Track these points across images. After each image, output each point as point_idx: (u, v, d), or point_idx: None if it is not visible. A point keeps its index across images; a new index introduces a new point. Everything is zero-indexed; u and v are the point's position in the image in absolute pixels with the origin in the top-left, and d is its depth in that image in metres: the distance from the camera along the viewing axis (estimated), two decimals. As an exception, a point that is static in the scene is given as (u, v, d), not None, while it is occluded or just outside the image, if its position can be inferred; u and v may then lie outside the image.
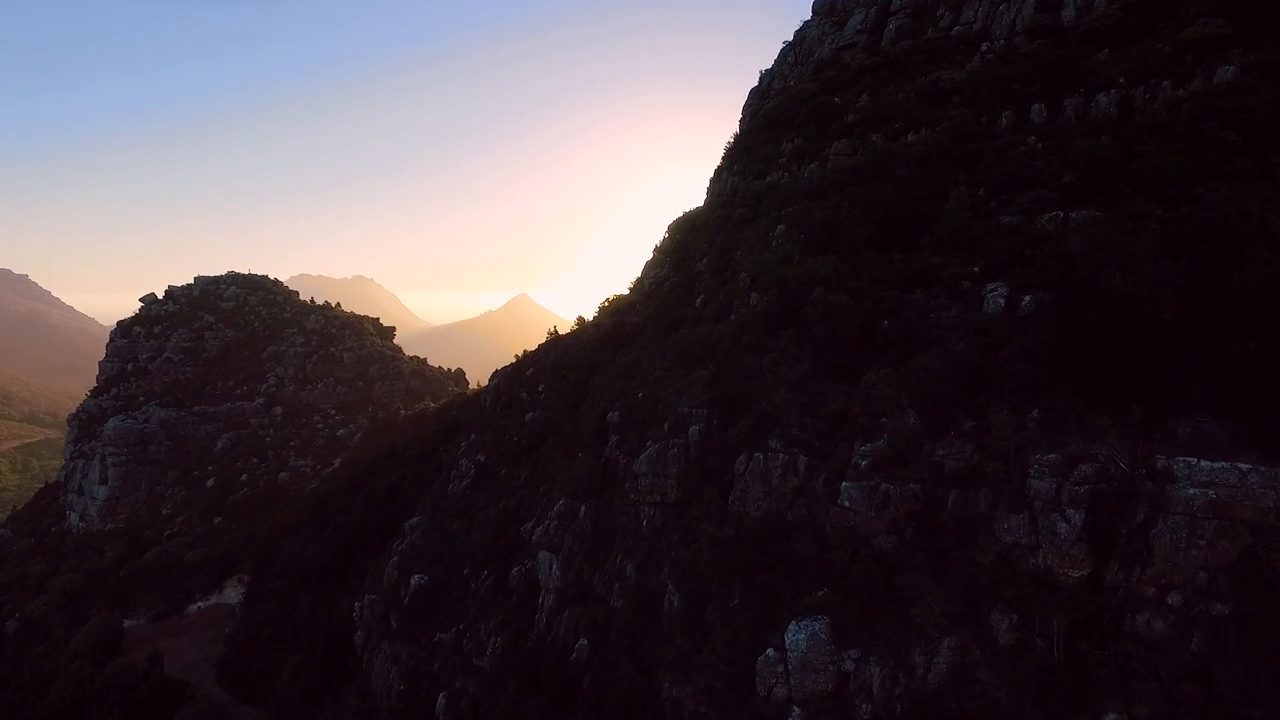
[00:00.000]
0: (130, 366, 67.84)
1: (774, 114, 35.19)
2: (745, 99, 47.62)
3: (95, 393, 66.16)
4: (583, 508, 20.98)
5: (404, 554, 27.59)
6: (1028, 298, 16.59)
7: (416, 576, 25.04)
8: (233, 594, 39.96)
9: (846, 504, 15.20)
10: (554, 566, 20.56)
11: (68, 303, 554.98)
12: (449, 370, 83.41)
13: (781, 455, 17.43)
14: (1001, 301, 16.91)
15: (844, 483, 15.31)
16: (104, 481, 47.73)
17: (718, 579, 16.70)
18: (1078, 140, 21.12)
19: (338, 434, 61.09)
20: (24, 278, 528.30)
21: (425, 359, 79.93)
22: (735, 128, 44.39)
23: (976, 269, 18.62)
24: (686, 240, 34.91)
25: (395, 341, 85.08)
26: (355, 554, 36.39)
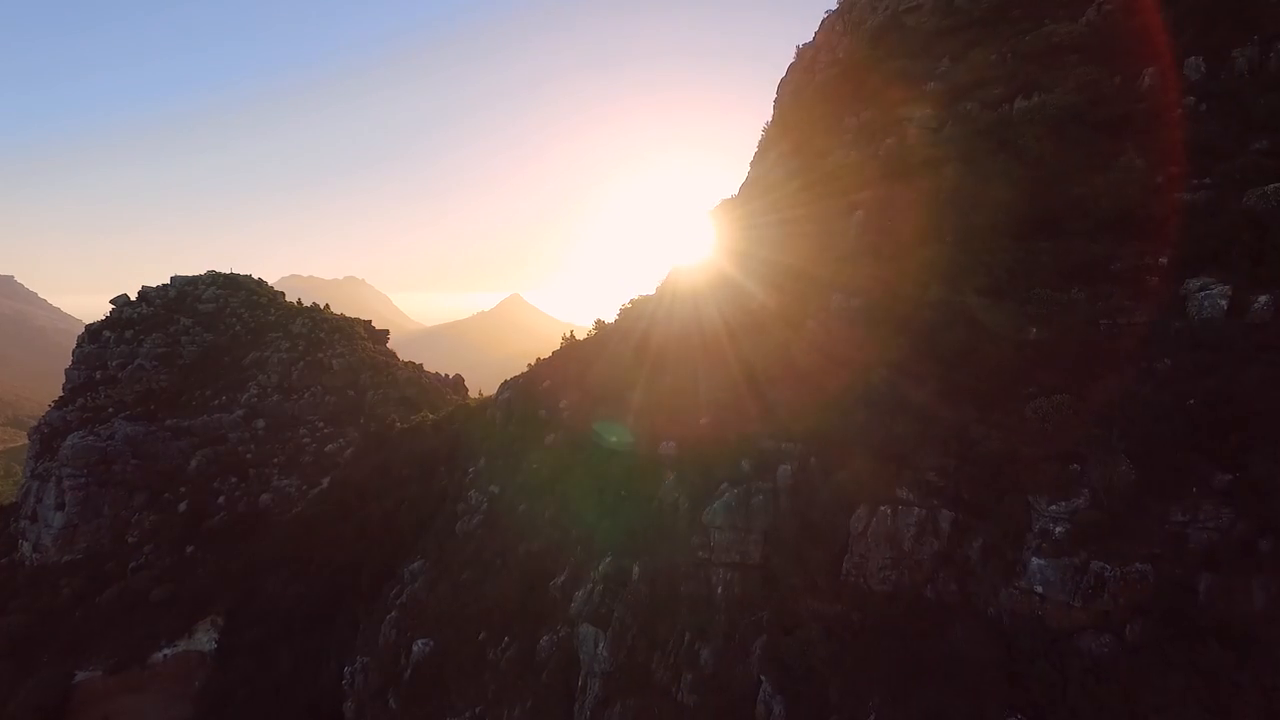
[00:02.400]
0: (99, 374, 63.42)
1: (830, 87, 31.17)
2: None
3: (59, 404, 61.68)
4: (635, 567, 16.86)
5: (404, 609, 23.43)
6: (1263, 298, 12.54)
7: (420, 642, 20.89)
8: (205, 638, 35.76)
9: (1038, 588, 11.15)
10: (600, 645, 16.43)
11: (54, 304, 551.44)
12: (447, 377, 79.17)
13: (916, 509, 13.41)
14: (1223, 303, 12.85)
15: (1033, 557, 11.27)
16: (60, 507, 43.40)
17: (840, 682, 12.55)
18: (1260, 99, 17.07)
19: (326, 449, 56.84)
20: (9, 279, 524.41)
21: (421, 365, 75.69)
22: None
23: (1164, 259, 14.56)
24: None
25: (388, 345, 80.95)
26: (345, 597, 32.24)
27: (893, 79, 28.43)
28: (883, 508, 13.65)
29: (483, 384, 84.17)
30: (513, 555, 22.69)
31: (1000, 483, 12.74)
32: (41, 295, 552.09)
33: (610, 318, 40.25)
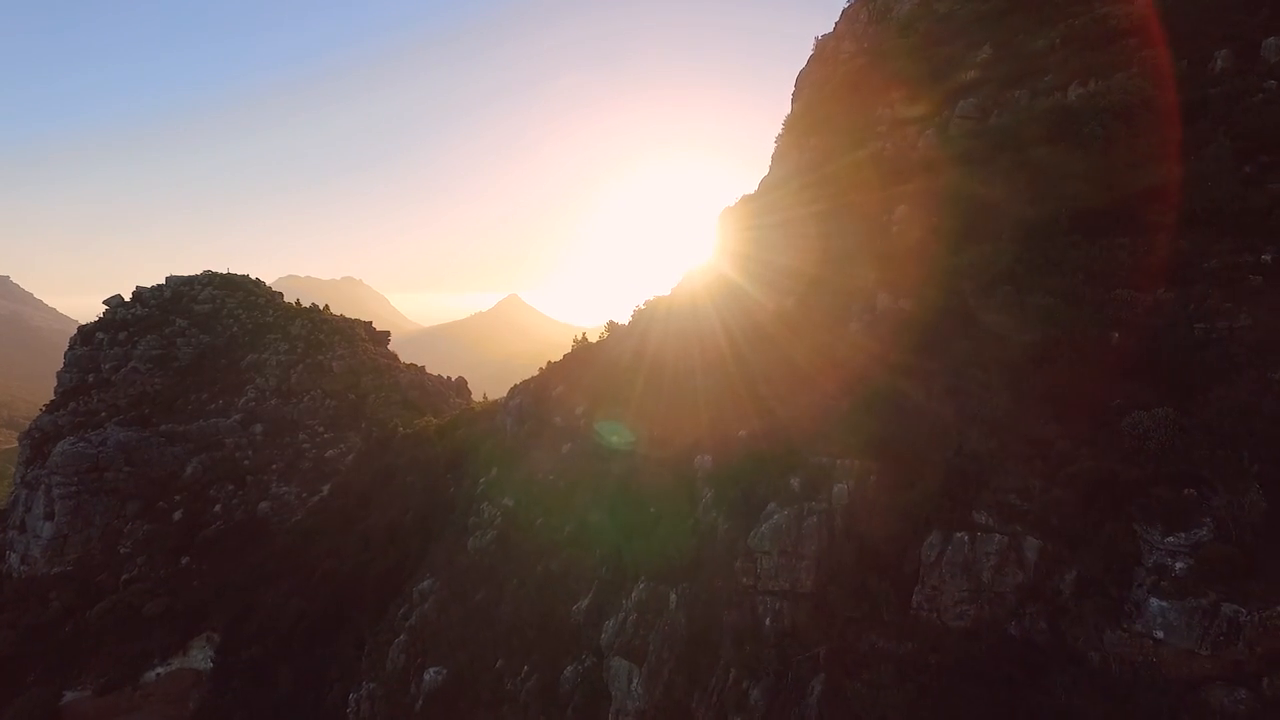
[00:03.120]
0: (91, 377, 62.03)
1: (857, 78, 29.84)
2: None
3: (51, 407, 60.25)
4: (673, 595, 15.49)
5: (413, 632, 22.05)
6: (1396, 299, 11.15)
7: (432, 670, 19.53)
8: (200, 655, 34.39)
9: (1157, 633, 9.80)
10: (635, 680, 15.06)
11: (50, 305, 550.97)
12: (449, 379, 77.78)
13: (997, 536, 12.06)
14: (1348, 305, 11.45)
15: (1151, 597, 9.93)
16: (49, 517, 41.92)
17: (919, 735, 11.17)
18: (1354, 81, 15.73)
19: (326, 455, 55.45)
20: (4, 279, 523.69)
21: (424, 367, 74.29)
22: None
23: (1266, 257, 13.21)
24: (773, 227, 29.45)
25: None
26: (349, 612, 30.84)
27: (928, 68, 27.13)
28: (958, 534, 12.31)
29: (482, 385, 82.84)
30: (530, 575, 21.33)
31: (1097, 508, 11.38)
32: (37, 296, 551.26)
33: (615, 319, 38.76)
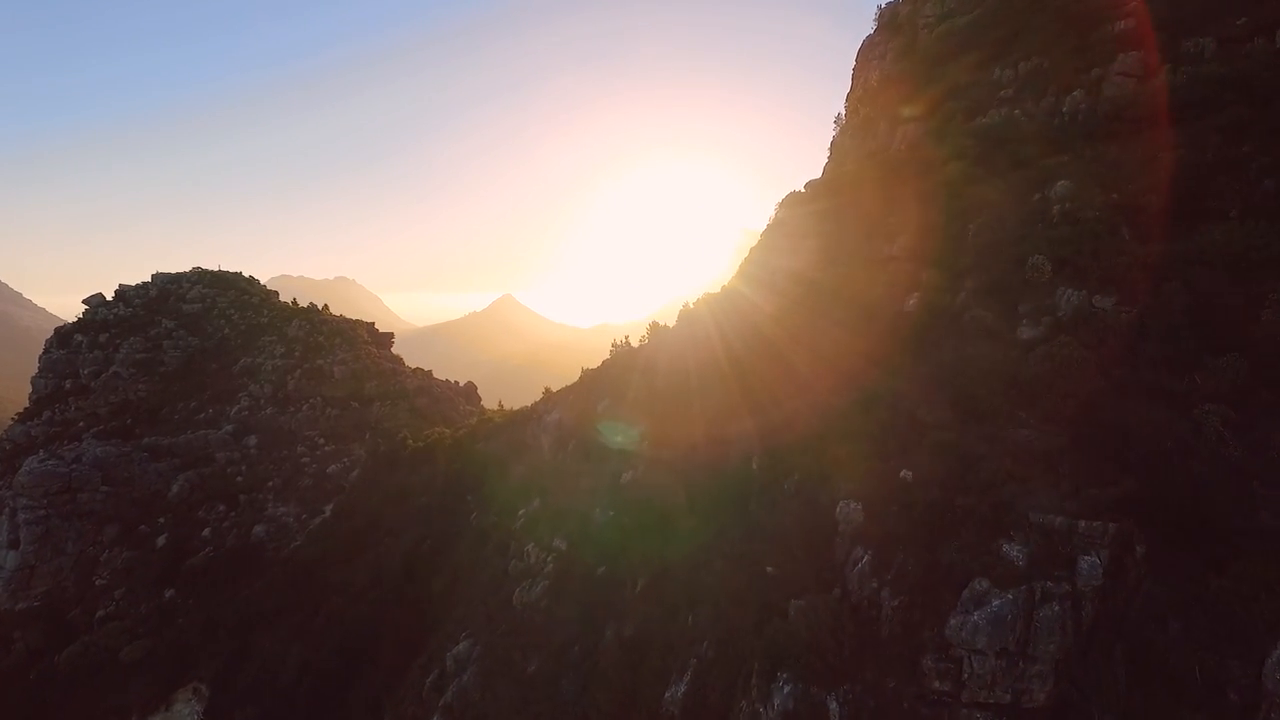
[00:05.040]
0: (69, 384, 58.17)
1: (967, 32, 25.95)
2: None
3: (24, 416, 56.41)
4: (833, 704, 11.51)
5: (450, 713, 18.16)
6: None
7: (482, 773, 15.54)
8: (185, 711, 30.54)
9: None
10: (785, 825, 11.04)
11: (39, 304, 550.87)
12: (458, 384, 73.88)
13: (1391, 653, 8.07)
14: None
15: None
16: (14, 545, 38.09)
17: None
18: None
19: (328, 470, 51.51)
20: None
21: (431, 371, 70.38)
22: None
23: None
24: (838, 212, 25.55)
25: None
26: (362, 666, 26.94)
27: (1064, 18, 23.29)
28: (1325, 648, 8.36)
29: (479, 386, 79.10)
30: (599, 643, 17.42)
31: None
32: (27, 295, 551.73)
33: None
